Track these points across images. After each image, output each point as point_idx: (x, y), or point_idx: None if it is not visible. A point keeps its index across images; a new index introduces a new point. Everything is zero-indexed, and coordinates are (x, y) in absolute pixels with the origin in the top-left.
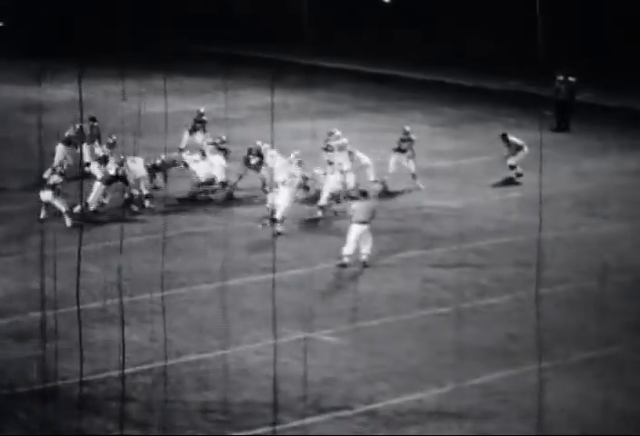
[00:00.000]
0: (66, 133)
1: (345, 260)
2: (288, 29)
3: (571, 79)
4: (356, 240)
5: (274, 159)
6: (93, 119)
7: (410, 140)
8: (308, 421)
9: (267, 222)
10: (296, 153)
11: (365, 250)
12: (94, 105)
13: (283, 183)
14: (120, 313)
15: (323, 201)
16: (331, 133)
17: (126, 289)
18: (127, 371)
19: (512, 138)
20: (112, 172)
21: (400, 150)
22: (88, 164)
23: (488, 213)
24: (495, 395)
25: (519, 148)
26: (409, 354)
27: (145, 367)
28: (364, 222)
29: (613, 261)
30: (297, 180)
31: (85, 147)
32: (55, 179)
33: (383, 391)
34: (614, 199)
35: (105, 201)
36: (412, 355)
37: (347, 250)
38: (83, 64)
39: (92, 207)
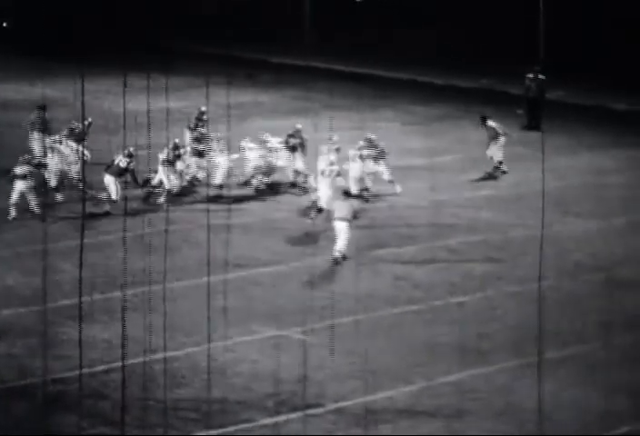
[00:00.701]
0: (76, 130)
1: (337, 254)
2: (265, 28)
3: (541, 77)
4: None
5: (251, 151)
6: (42, 108)
7: (375, 146)
8: (280, 418)
9: (314, 214)
10: (335, 139)
11: (339, 247)
12: (68, 104)
13: (322, 173)
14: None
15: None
16: (297, 131)
17: (99, 286)
18: (100, 368)
19: (491, 123)
20: (122, 164)
21: (368, 158)
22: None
23: (460, 211)
24: (467, 393)
25: (497, 135)
26: (380, 352)
27: (118, 364)
28: (344, 220)
29: (586, 259)
30: (336, 168)
31: (36, 136)
32: (25, 169)
33: (354, 388)
34: (586, 197)
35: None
36: (383, 353)
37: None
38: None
39: (115, 198)
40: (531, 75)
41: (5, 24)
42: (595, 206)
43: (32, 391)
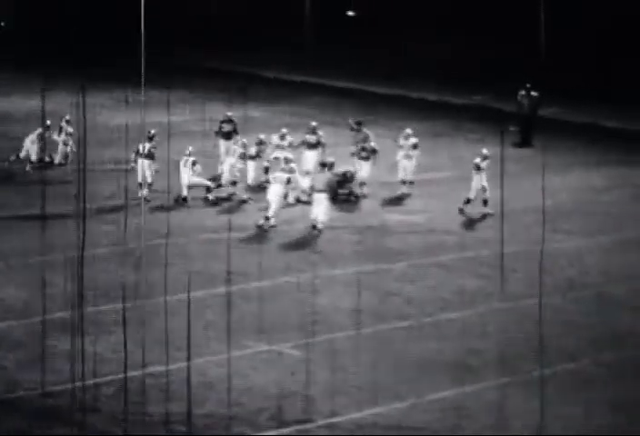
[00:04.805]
0: None
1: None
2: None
3: (533, 94)
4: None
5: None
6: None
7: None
8: (269, 433)
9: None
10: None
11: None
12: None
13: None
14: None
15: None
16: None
17: (90, 299)
18: (90, 382)
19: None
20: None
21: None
22: None
23: (450, 228)
24: (457, 410)
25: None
26: (370, 368)
27: (108, 378)
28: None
29: (576, 276)
30: None
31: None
32: None
33: (344, 404)
34: (578, 214)
35: None
36: (373, 369)
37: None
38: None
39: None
40: (523, 92)
41: (2, 24)
42: (586, 223)
43: (22, 403)
